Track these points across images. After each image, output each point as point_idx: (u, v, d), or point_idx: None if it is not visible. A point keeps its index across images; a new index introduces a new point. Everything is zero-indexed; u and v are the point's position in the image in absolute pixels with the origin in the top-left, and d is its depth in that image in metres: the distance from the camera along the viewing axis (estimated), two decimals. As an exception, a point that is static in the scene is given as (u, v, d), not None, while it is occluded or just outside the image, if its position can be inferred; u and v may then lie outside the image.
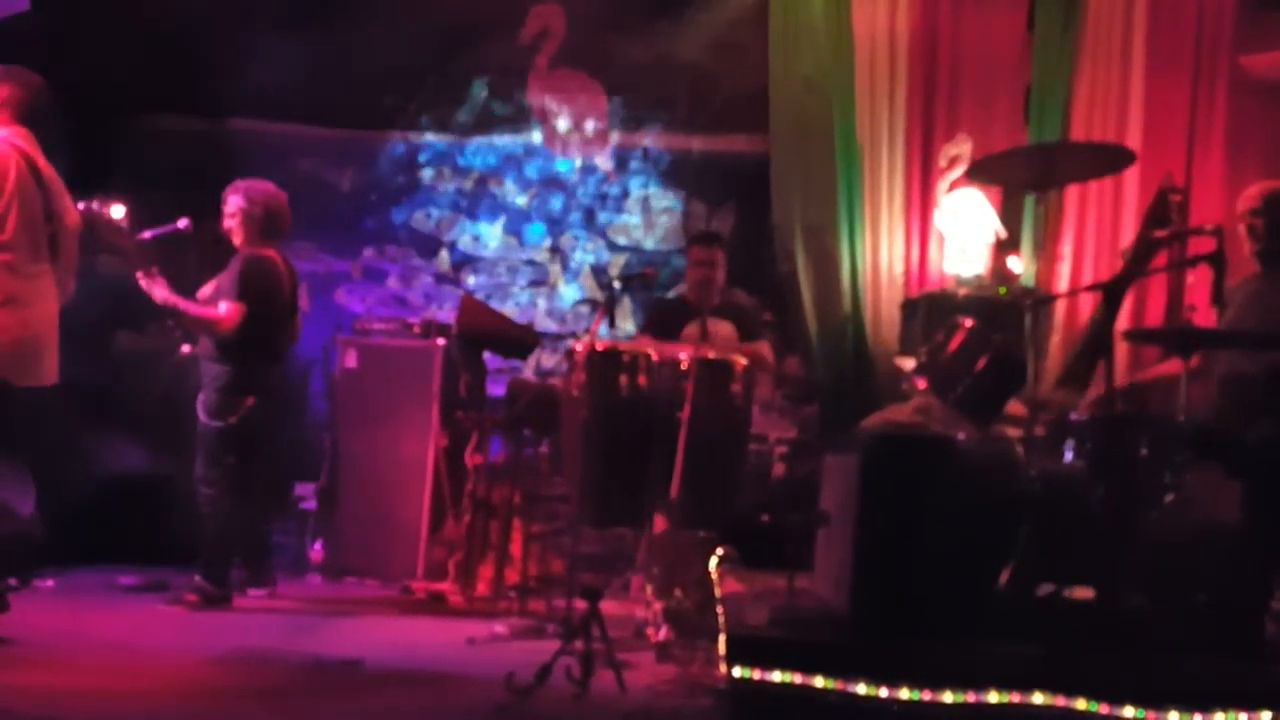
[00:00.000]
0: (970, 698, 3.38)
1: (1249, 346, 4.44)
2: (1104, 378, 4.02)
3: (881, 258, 6.60)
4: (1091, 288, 5.30)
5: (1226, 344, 4.54)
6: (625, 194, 8.01)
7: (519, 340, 6.89)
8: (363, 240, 8.06)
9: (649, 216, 7.99)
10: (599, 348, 5.03)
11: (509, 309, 7.77)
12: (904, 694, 3.40)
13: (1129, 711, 3.35)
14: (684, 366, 4.94)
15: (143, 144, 7.29)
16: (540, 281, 8.04)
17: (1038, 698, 3.38)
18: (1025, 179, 5.10)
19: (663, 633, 4.63)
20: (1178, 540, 3.82)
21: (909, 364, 5.03)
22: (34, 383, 4.36)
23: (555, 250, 8.04)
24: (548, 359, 7.73)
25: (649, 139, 7.97)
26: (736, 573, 4.72)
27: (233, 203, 5.55)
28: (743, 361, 5.17)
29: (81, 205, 4.73)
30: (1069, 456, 4.04)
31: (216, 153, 7.23)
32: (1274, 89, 6.26)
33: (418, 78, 7.93)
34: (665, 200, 7.97)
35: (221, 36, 6.98)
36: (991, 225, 6.27)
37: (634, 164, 8.00)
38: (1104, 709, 3.36)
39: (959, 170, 6.45)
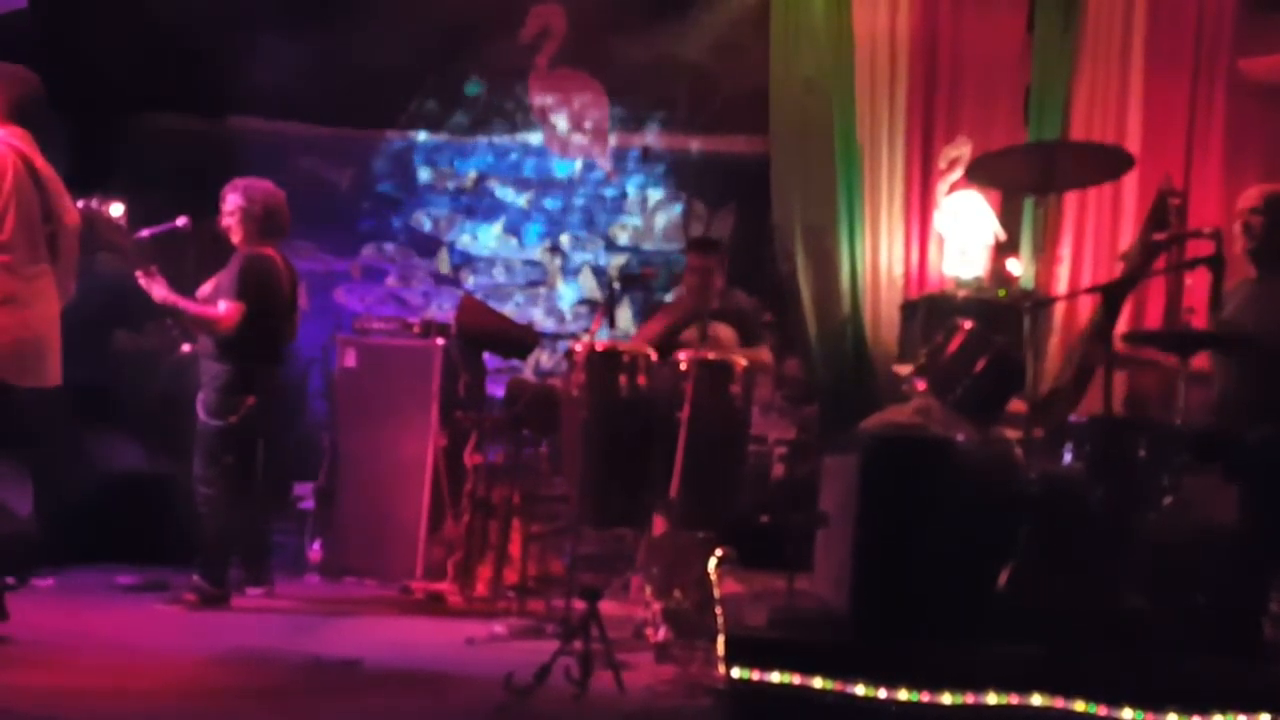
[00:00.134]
0: (969, 699, 3.38)
1: (1247, 349, 4.45)
2: (1103, 382, 4.03)
3: (881, 259, 6.61)
4: (1091, 290, 5.30)
5: (1223, 347, 4.54)
6: (625, 194, 8.01)
7: (519, 340, 6.89)
8: (362, 239, 8.06)
9: (649, 217, 7.99)
10: (599, 348, 5.03)
11: (508, 309, 7.77)
12: (903, 695, 3.40)
13: (1128, 713, 3.35)
14: (684, 367, 4.94)
15: (142, 142, 7.30)
16: (539, 281, 8.05)
17: (1037, 699, 3.39)
18: (1024, 182, 5.10)
19: (662, 633, 4.63)
20: (1177, 541, 3.82)
21: (906, 372, 5.03)
22: (35, 383, 4.35)
23: (555, 250, 8.04)
24: (547, 359, 7.73)
25: (649, 139, 7.97)
26: (736, 573, 4.72)
27: (232, 201, 5.54)
28: (742, 362, 5.17)
29: (80, 204, 4.72)
30: (1068, 458, 4.04)
31: (216, 151, 7.24)
32: (1273, 91, 6.26)
33: (418, 77, 7.94)
34: (665, 201, 7.97)
35: (221, 35, 6.97)
36: (991, 227, 6.27)
37: (634, 164, 8.00)
38: (1103, 710, 3.36)
39: (959, 172, 6.45)
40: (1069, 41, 6.45)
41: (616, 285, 5.45)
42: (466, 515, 5.92)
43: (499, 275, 8.06)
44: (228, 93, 7.38)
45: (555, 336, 7.82)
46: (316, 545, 6.50)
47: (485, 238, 8.07)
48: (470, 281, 8.00)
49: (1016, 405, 4.50)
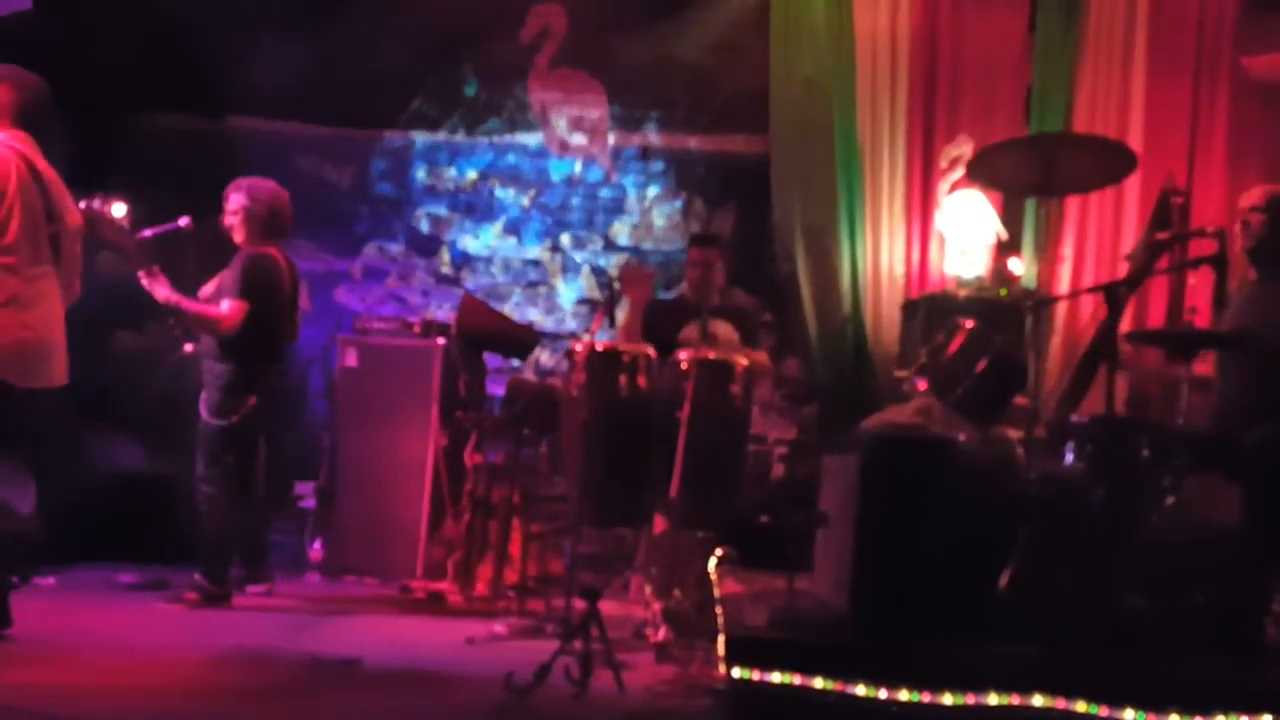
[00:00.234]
0: (970, 699, 3.38)
1: (1248, 349, 4.44)
2: (1105, 383, 4.03)
3: (882, 259, 6.61)
4: (1094, 289, 5.30)
5: (1225, 346, 4.54)
6: (624, 194, 8.01)
7: (519, 340, 6.89)
8: (362, 239, 8.06)
9: (648, 216, 7.99)
10: (599, 348, 5.03)
11: (508, 309, 7.77)
12: (903, 695, 3.40)
13: (1129, 714, 3.35)
14: (684, 367, 4.94)
15: (143, 142, 7.30)
16: (539, 281, 8.04)
17: (1037, 699, 3.39)
18: (1026, 183, 5.10)
19: (662, 633, 4.63)
20: (1178, 542, 3.82)
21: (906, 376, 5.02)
22: (38, 384, 4.34)
23: (554, 250, 8.04)
24: (547, 359, 7.72)
25: (649, 139, 7.97)
26: (736, 573, 4.72)
27: (235, 200, 5.54)
28: (743, 362, 5.17)
29: (82, 204, 4.72)
30: (1069, 458, 4.04)
31: (216, 151, 7.24)
32: (1275, 90, 6.26)
33: (418, 77, 7.93)
34: (665, 200, 7.97)
35: (221, 35, 6.97)
36: (992, 227, 6.27)
37: (634, 164, 8.00)
38: (1104, 711, 3.36)
39: (960, 171, 6.45)
40: (1070, 41, 6.45)
41: (616, 285, 5.43)
42: (466, 515, 5.92)
43: (499, 275, 8.06)
44: (228, 93, 7.38)
45: (555, 336, 7.82)
46: (317, 544, 6.50)
47: (485, 237, 8.06)
48: (470, 281, 8.00)
49: (1022, 400, 4.50)
